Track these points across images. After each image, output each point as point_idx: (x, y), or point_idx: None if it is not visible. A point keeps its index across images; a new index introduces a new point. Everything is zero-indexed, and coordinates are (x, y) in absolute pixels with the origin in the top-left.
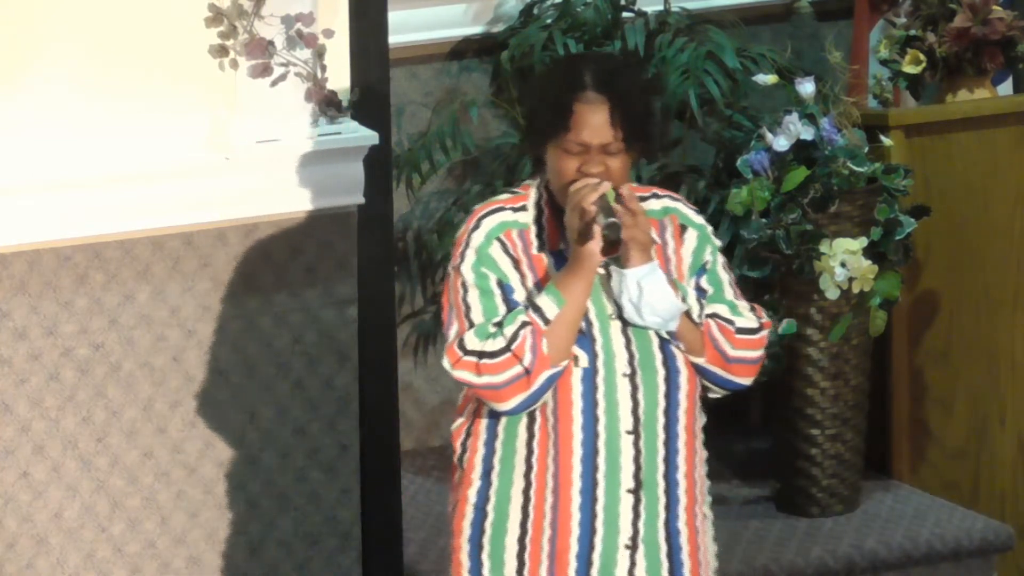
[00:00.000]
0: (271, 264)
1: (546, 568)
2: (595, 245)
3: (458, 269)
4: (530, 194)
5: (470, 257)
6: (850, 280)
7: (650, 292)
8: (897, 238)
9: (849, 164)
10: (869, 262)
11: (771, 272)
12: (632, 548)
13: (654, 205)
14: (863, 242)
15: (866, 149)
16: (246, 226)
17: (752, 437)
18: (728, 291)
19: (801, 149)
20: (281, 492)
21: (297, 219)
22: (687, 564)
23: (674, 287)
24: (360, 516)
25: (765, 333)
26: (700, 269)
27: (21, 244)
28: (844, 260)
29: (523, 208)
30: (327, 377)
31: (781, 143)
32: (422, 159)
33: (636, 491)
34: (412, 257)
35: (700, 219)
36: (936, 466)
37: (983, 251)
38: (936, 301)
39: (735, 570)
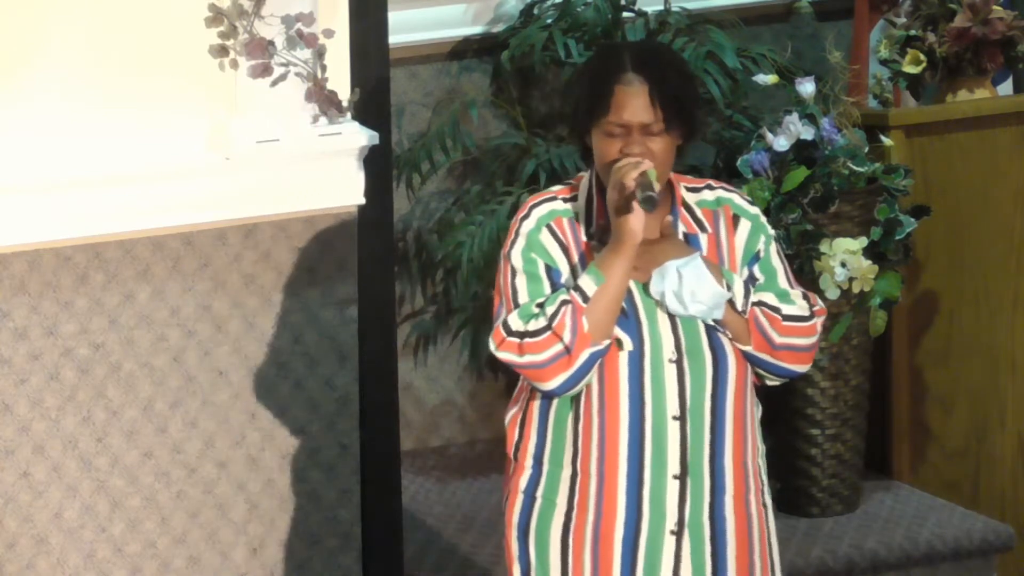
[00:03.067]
0: (271, 264)
1: (589, 553)
2: (634, 221)
3: (508, 256)
4: (582, 184)
5: (520, 243)
6: (850, 280)
7: (689, 279)
8: (897, 238)
9: (849, 164)
10: (869, 262)
11: None
12: (678, 534)
13: (708, 196)
14: (863, 242)
15: (866, 149)
16: (246, 226)
17: None
18: (782, 279)
19: (801, 149)
20: (281, 492)
21: (297, 219)
22: (731, 551)
23: (718, 275)
24: (360, 516)
25: (817, 321)
26: (753, 258)
27: (21, 244)
28: (844, 260)
29: (574, 198)
30: (327, 377)
31: (781, 143)
32: (422, 159)
33: (682, 477)
34: (412, 257)
35: (754, 209)
36: (936, 466)
37: (983, 251)
38: (936, 301)
39: None
